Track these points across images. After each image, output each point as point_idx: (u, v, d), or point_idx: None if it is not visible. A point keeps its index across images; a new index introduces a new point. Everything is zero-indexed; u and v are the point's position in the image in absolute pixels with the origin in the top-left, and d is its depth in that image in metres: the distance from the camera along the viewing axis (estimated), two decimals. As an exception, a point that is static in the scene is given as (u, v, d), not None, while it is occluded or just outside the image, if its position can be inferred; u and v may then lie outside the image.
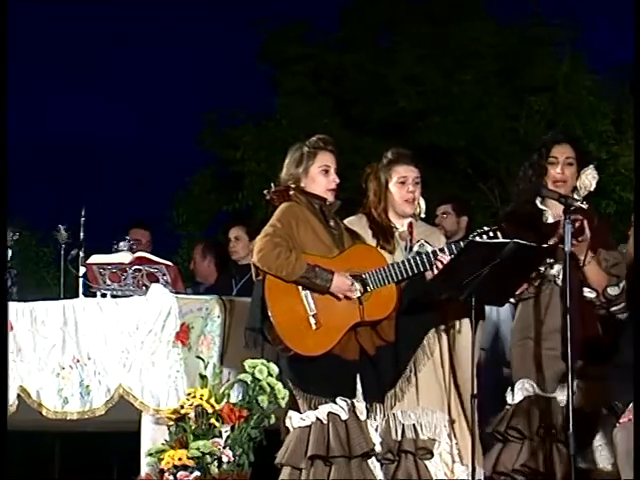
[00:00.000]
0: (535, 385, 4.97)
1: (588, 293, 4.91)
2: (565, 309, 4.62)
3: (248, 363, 4.80)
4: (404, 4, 12.64)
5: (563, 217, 4.68)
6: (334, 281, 4.67)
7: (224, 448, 4.71)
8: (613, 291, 5.00)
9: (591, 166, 5.14)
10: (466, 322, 4.91)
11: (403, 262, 4.83)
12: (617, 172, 11.44)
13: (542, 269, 4.95)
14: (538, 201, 5.11)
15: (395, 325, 4.82)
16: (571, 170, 5.08)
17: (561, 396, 4.92)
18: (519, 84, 12.08)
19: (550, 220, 5.06)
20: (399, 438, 4.82)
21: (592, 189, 5.10)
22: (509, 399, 4.99)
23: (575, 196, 5.03)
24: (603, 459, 4.87)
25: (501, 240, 4.76)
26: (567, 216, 4.64)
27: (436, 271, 4.80)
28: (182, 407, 4.78)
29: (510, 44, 12.08)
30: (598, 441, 4.92)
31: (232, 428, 4.76)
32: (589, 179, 5.11)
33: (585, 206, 4.86)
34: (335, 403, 4.69)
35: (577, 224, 4.76)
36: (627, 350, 4.67)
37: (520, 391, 4.99)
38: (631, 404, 4.37)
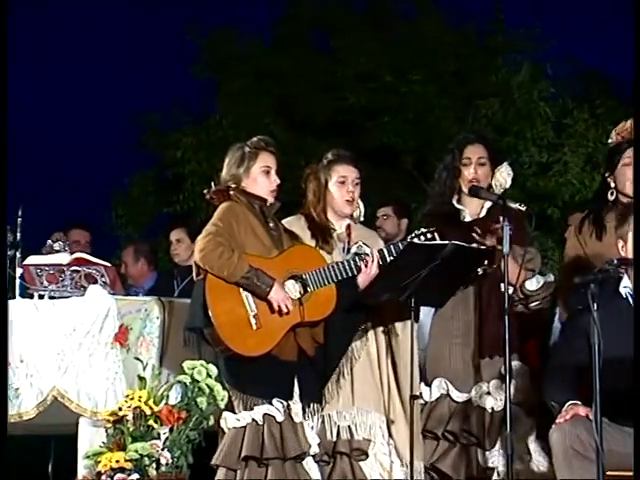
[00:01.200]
0: (450, 384, 5.02)
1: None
2: (503, 311, 4.66)
3: (187, 364, 4.79)
4: (352, 2, 12.67)
5: (501, 219, 4.74)
6: (273, 289, 4.66)
7: (162, 450, 4.69)
8: (531, 286, 5.08)
9: (505, 164, 5.22)
10: (405, 323, 4.94)
11: (343, 263, 4.85)
12: (568, 182, 11.58)
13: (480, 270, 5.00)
14: (455, 201, 5.16)
15: (326, 326, 4.82)
16: (484, 170, 5.15)
17: (475, 396, 4.98)
18: (472, 87, 12.16)
19: (468, 219, 5.12)
20: (334, 439, 4.84)
21: (507, 186, 5.16)
22: (425, 397, 5.02)
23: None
24: (538, 460, 4.94)
25: (440, 242, 4.79)
26: (505, 217, 4.69)
27: (369, 274, 4.81)
28: (120, 409, 4.76)
29: (468, 47, 12.15)
30: (532, 442, 4.99)
31: (171, 430, 4.75)
32: (504, 177, 5.18)
33: (523, 208, 4.91)
34: (271, 404, 4.69)
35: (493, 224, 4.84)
36: (559, 351, 4.74)
37: (436, 389, 5.03)
38: (567, 404, 4.41)
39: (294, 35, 12.62)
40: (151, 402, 4.74)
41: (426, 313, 5.18)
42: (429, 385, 5.06)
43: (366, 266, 4.82)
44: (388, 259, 4.86)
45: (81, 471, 4.88)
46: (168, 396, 4.83)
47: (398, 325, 4.99)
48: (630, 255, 4.46)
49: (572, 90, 12.41)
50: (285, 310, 4.67)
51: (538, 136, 11.89)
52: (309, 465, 4.76)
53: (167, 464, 4.69)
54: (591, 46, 13.66)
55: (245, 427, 4.67)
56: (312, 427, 4.81)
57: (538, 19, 12.02)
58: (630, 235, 4.51)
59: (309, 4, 12.69)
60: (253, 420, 4.67)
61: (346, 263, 4.84)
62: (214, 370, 4.76)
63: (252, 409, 4.68)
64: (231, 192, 4.83)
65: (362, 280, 4.84)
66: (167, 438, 4.72)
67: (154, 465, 4.68)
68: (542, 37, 11.92)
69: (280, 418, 4.68)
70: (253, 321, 4.67)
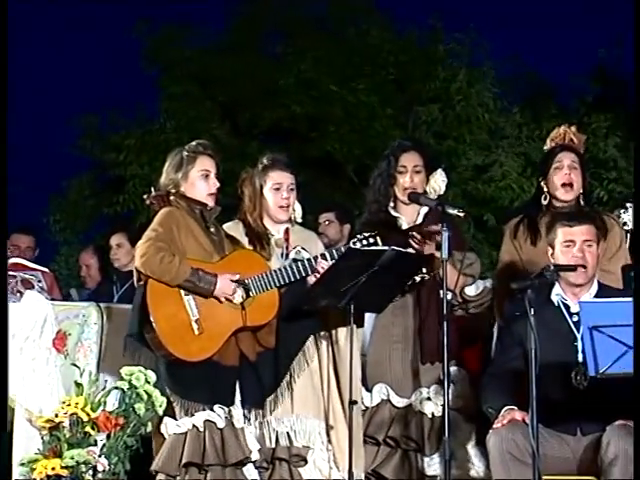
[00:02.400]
0: (390, 389, 5.05)
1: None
2: (442, 316, 4.70)
3: (125, 370, 4.76)
4: (299, 9, 12.68)
5: (440, 225, 4.77)
6: (218, 284, 4.65)
7: (99, 457, 4.66)
8: (470, 291, 5.12)
9: (439, 170, 5.25)
10: (349, 329, 4.95)
11: (285, 268, 4.84)
12: (508, 186, 11.68)
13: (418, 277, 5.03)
14: (391, 208, 5.19)
15: (275, 331, 4.82)
16: (420, 177, 5.17)
17: (416, 401, 5.01)
18: (411, 94, 12.23)
19: (404, 226, 5.14)
20: (273, 445, 4.82)
21: (442, 192, 5.20)
22: (366, 402, 5.04)
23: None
24: (477, 465, 4.97)
25: (380, 247, 4.80)
26: (444, 224, 4.72)
27: (314, 279, 4.82)
28: (56, 415, 4.71)
29: (408, 54, 12.22)
30: (472, 448, 5.02)
31: (108, 436, 4.72)
32: (438, 183, 5.21)
33: (462, 214, 4.94)
34: (212, 410, 4.67)
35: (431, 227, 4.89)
36: (496, 357, 4.78)
37: (376, 395, 5.05)
38: (503, 409, 4.45)
39: (242, 40, 12.60)
40: (88, 408, 4.70)
41: (367, 319, 5.20)
42: (369, 391, 5.07)
43: (317, 270, 4.82)
44: (328, 264, 4.86)
45: (16, 478, 4.82)
46: (105, 402, 4.80)
47: (341, 331, 4.98)
48: (559, 261, 4.51)
49: (509, 93, 12.53)
50: (234, 301, 4.66)
51: (474, 139, 12.01)
52: (249, 471, 4.75)
53: (104, 471, 4.66)
54: (529, 50, 13.79)
55: (186, 433, 4.65)
56: (252, 433, 4.80)
57: (475, 24, 12.12)
58: (557, 241, 4.56)
59: (258, 10, 12.67)
60: (194, 426, 4.65)
61: (289, 268, 4.84)
62: (152, 376, 4.74)
63: (193, 415, 4.66)
64: (171, 197, 4.81)
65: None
66: (104, 445, 4.69)
67: (91, 472, 4.64)
68: (477, 42, 12.03)
69: (221, 424, 4.67)
70: (195, 326, 4.66)
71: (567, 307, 4.53)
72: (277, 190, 5.02)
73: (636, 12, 6.26)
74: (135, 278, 4.74)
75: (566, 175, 5.06)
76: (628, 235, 5.97)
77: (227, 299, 4.69)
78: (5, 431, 4.71)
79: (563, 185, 5.06)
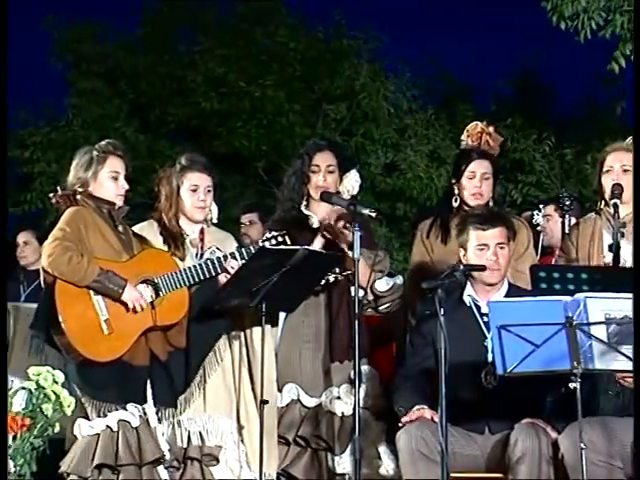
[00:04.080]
0: (300, 389, 5.06)
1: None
2: (354, 315, 4.72)
3: (32, 371, 4.70)
4: (208, 8, 12.63)
5: (352, 225, 4.79)
6: (126, 289, 4.62)
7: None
8: (380, 286, 5.16)
9: (353, 171, 5.29)
10: (260, 329, 4.95)
11: (195, 266, 4.83)
12: (417, 177, 11.79)
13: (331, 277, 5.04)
14: (303, 207, 5.21)
15: (186, 331, 4.80)
16: (333, 177, 5.21)
17: (326, 400, 5.03)
18: (320, 92, 12.28)
19: (316, 225, 5.17)
20: (185, 445, 4.81)
21: (355, 193, 5.23)
22: (277, 403, 5.05)
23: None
24: (387, 464, 5.01)
25: (292, 247, 4.81)
26: (355, 224, 4.74)
27: (225, 279, 4.80)
28: (-40, 417, 4.62)
29: (315, 51, 12.26)
30: (382, 446, 5.06)
31: (14, 438, 4.65)
32: (352, 184, 5.25)
33: (374, 214, 4.97)
34: (125, 410, 4.65)
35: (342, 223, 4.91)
36: (407, 356, 4.82)
37: (287, 394, 5.06)
38: (415, 407, 4.48)
39: (152, 38, 12.51)
40: (-6, 409, 4.62)
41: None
42: (280, 390, 5.07)
43: (230, 269, 4.80)
44: (239, 263, 4.85)
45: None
46: (12, 403, 4.72)
47: (255, 331, 4.98)
48: (472, 261, 4.57)
49: (426, 94, 12.66)
50: (139, 309, 4.63)
51: (382, 137, 12.11)
52: (160, 471, 4.73)
53: (10, 473, 4.57)
54: (448, 52, 13.96)
55: (99, 434, 4.61)
56: (163, 433, 4.78)
57: (380, 21, 12.25)
58: (469, 244, 4.62)
59: (168, 8, 12.60)
60: (107, 427, 4.62)
61: (198, 267, 4.82)
62: (61, 376, 4.68)
63: (106, 415, 4.63)
64: (78, 196, 4.76)
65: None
66: (10, 446, 4.61)
67: (-4, 474, 4.56)
68: (378, 38, 12.13)
69: (136, 423, 4.65)
70: (104, 326, 4.63)
71: (478, 307, 4.59)
72: (194, 191, 5.00)
73: (636, 12, 6.36)
74: (42, 277, 4.68)
75: (477, 187, 5.14)
76: (541, 236, 6.11)
77: (133, 306, 4.64)
78: (5, 431, 4.61)
79: (473, 195, 5.14)
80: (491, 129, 5.37)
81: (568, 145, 11.97)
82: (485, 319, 4.43)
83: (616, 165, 4.92)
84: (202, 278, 4.82)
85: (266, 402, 4.78)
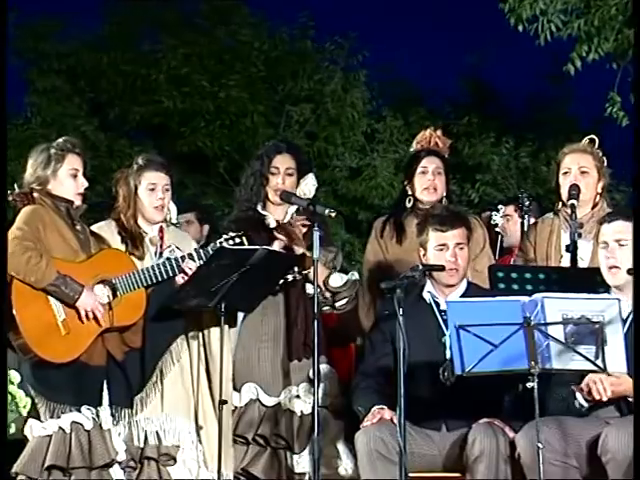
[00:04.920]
0: (259, 388, 5.06)
1: (311, 289, 4.99)
2: (312, 314, 4.73)
3: (-13, 371, 4.64)
4: (171, 7, 12.59)
5: (312, 225, 4.80)
6: (82, 296, 4.60)
7: (-42, 459, 4.53)
8: (334, 282, 5.16)
9: (310, 175, 5.31)
10: (218, 329, 4.94)
11: (153, 267, 4.82)
12: (378, 185, 11.83)
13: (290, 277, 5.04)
14: (260, 207, 5.21)
15: (143, 330, 4.79)
16: (291, 180, 5.22)
17: (285, 399, 5.03)
18: (283, 93, 12.27)
19: (273, 225, 5.17)
20: (142, 445, 4.79)
21: (311, 196, 5.23)
22: (235, 402, 5.04)
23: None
24: (346, 463, 5.02)
25: (251, 247, 4.81)
26: (315, 224, 4.75)
27: (182, 279, 4.79)
28: None
29: (279, 52, 12.25)
30: (341, 445, 5.06)
31: (-30, 438, 4.60)
32: (309, 187, 5.27)
33: (333, 214, 4.98)
34: (79, 412, 4.62)
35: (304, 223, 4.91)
36: (366, 356, 4.83)
37: (245, 394, 5.06)
38: (374, 408, 4.49)
39: (114, 36, 12.45)
40: (-52, 410, 4.56)
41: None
42: (238, 390, 5.07)
43: (188, 270, 4.79)
44: (198, 263, 4.84)
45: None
46: (-34, 404, 4.66)
47: (213, 331, 4.97)
48: (431, 261, 4.59)
49: (385, 98, 12.71)
50: (91, 318, 4.62)
51: (349, 141, 12.13)
52: (115, 471, 4.71)
53: (-34, 473, 4.53)
54: (402, 56, 14.02)
55: (51, 435, 4.58)
56: (119, 433, 4.76)
57: (353, 27, 12.27)
58: (429, 245, 4.64)
59: (131, 6, 12.54)
60: (60, 428, 4.59)
61: (156, 267, 4.81)
62: (17, 377, 4.64)
63: (59, 417, 4.61)
64: (35, 194, 4.72)
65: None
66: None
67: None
68: (356, 47, 12.14)
69: (89, 426, 4.63)
70: (61, 327, 4.60)
71: (437, 304, 4.61)
72: (152, 190, 4.99)
73: (636, 12, 6.40)
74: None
75: (429, 180, 5.19)
76: (500, 236, 6.15)
77: (86, 314, 4.62)
78: (5, 431, 4.58)
79: (426, 189, 5.18)
80: (439, 132, 5.43)
81: (522, 144, 12.09)
82: (444, 316, 4.44)
83: (573, 167, 4.97)
84: (160, 279, 4.80)
85: (225, 402, 4.78)
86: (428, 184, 5.19)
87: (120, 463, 4.73)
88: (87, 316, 4.62)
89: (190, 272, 4.79)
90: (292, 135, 11.83)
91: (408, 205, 5.25)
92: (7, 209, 4.82)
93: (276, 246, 5.00)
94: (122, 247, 4.94)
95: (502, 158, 11.97)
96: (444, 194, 5.24)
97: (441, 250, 4.60)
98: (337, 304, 5.22)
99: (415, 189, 5.23)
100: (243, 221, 5.12)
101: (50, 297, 4.60)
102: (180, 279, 4.83)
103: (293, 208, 5.19)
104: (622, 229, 4.34)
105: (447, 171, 5.30)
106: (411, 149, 5.47)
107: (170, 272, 4.82)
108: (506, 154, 12.02)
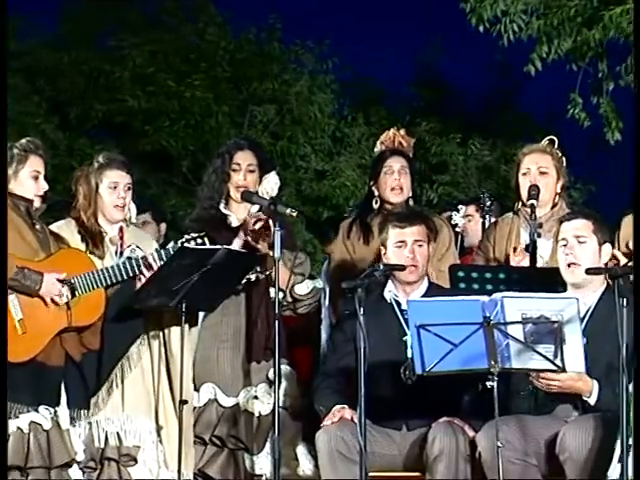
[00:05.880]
0: (218, 388, 5.04)
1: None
2: (273, 316, 4.72)
3: (-56, 371, 4.59)
4: (135, 4, 12.54)
5: (272, 224, 4.79)
6: (44, 283, 4.58)
7: None
8: (300, 290, 5.17)
9: (273, 172, 5.30)
10: (179, 328, 4.92)
11: (112, 267, 4.79)
12: (342, 185, 11.85)
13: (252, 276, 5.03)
14: (222, 206, 5.20)
15: (101, 331, 4.76)
16: (253, 177, 5.20)
17: (243, 400, 5.03)
18: (247, 93, 12.26)
19: (235, 224, 5.16)
20: (102, 445, 4.78)
21: (274, 194, 5.23)
22: (194, 402, 5.03)
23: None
24: (304, 464, 5.02)
25: (212, 247, 4.79)
26: (276, 223, 4.74)
27: (144, 279, 4.78)
28: None
29: (244, 53, 12.24)
30: (300, 446, 5.06)
31: None
32: (271, 185, 5.26)
33: (294, 213, 4.98)
34: (37, 412, 4.60)
35: (260, 223, 4.91)
36: (327, 356, 4.84)
37: (204, 394, 5.04)
38: (335, 407, 4.49)
39: (75, 33, 12.37)
40: None
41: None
42: (197, 390, 5.05)
43: (149, 269, 4.77)
44: (158, 263, 4.82)
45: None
46: None
47: (174, 330, 4.95)
48: (391, 261, 4.60)
49: (351, 100, 12.74)
50: (59, 302, 4.60)
51: (316, 143, 12.14)
52: (74, 472, 4.69)
53: None
54: (368, 57, 14.05)
55: (9, 435, 4.55)
56: (79, 434, 4.74)
57: (319, 28, 12.30)
58: (389, 242, 4.65)
59: (93, 3, 12.47)
60: (18, 428, 4.56)
61: (116, 267, 4.79)
62: (-27, 376, 4.58)
63: (17, 417, 4.58)
64: (-6, 193, 4.69)
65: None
66: None
67: None
68: (327, 53, 12.16)
69: (47, 426, 4.60)
70: (18, 326, 4.57)
71: (399, 304, 4.62)
72: (113, 189, 4.96)
73: (636, 12, 6.43)
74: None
75: (396, 180, 5.21)
76: (459, 236, 6.18)
77: (53, 300, 4.61)
78: (5, 428, 4.53)
79: (393, 189, 5.20)
80: (402, 131, 5.45)
81: (479, 142, 12.17)
82: (405, 315, 4.45)
83: (533, 167, 5.01)
84: (120, 279, 4.78)
85: (185, 402, 4.76)
86: (394, 184, 5.20)
87: (79, 463, 4.71)
88: (53, 301, 4.60)
89: (147, 274, 4.76)
90: (256, 135, 11.82)
91: (375, 206, 5.26)
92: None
93: (236, 245, 4.99)
94: (82, 246, 4.91)
95: (463, 158, 12.05)
96: (410, 194, 5.26)
97: (400, 247, 4.62)
98: (299, 310, 5.23)
99: (381, 189, 5.24)
100: (205, 220, 5.10)
101: (8, 297, 4.55)
102: (138, 283, 4.80)
103: (255, 207, 5.18)
104: (581, 227, 4.38)
105: (412, 171, 5.32)
106: (375, 150, 5.48)
107: (130, 272, 4.79)
108: (470, 155, 12.10)
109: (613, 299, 4.20)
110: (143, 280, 4.79)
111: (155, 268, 4.77)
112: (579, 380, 4.14)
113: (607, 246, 4.41)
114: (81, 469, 4.73)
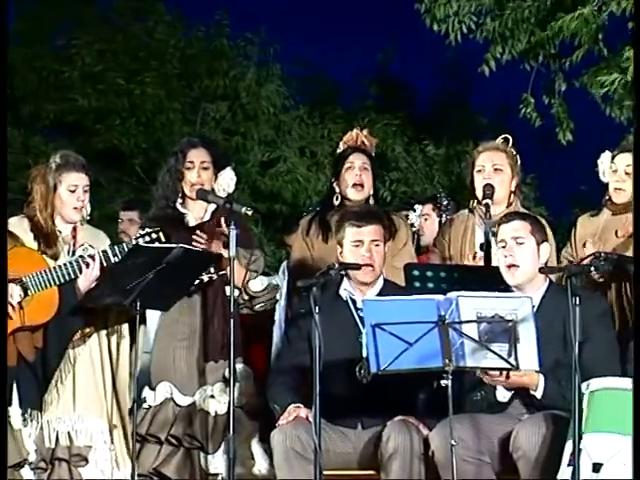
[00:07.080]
0: (174, 388, 5.02)
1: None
2: (229, 315, 4.70)
3: None
4: (85, 3, 12.45)
5: (226, 222, 4.78)
6: None
7: None
8: (255, 287, 5.17)
9: (228, 168, 5.28)
10: (129, 327, 4.90)
11: (65, 265, 4.76)
12: (294, 180, 11.86)
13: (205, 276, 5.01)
14: (179, 204, 5.18)
15: (45, 330, 4.72)
16: (207, 174, 5.18)
17: (200, 399, 5.01)
18: (199, 90, 12.24)
19: (192, 223, 5.15)
20: (53, 445, 4.75)
21: (230, 190, 5.22)
22: (149, 401, 5.01)
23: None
24: (260, 463, 5.01)
25: (167, 245, 4.77)
26: (230, 221, 4.72)
27: (84, 278, 4.74)
28: None
29: (194, 50, 12.21)
30: (255, 445, 5.06)
31: None
32: (227, 181, 5.24)
33: (250, 212, 4.95)
34: (-12, 412, 4.54)
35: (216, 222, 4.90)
36: (282, 354, 4.84)
37: (160, 393, 5.02)
38: (290, 406, 4.49)
39: (25, 31, 12.26)
40: None
41: (153, 317, 5.16)
42: (153, 389, 5.03)
43: (87, 267, 4.74)
44: (113, 260, 4.79)
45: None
46: None
47: (124, 328, 4.93)
48: (348, 260, 4.60)
49: (297, 93, 12.75)
50: (12, 301, 4.57)
51: (262, 134, 12.17)
52: (25, 472, 4.66)
53: None
54: (318, 52, 14.07)
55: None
56: (30, 434, 4.69)
57: (264, 23, 12.28)
58: (345, 241, 4.66)
59: (43, 1, 12.38)
60: (-31, 428, 4.52)
61: (69, 265, 4.76)
62: None
63: (-31, 418, 4.53)
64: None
65: (82, 283, 4.76)
66: None
67: None
68: (266, 40, 12.16)
69: (-1, 426, 4.55)
70: (-30, 327, 4.52)
71: (354, 302, 4.62)
72: (73, 192, 4.92)
73: (636, 12, 6.45)
74: None
75: (357, 176, 5.22)
76: (415, 235, 6.20)
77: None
78: (5, 432, 4.49)
79: (354, 185, 5.21)
80: (365, 132, 5.47)
81: (431, 140, 12.25)
82: (361, 314, 4.46)
83: (487, 165, 5.04)
84: (71, 277, 4.75)
85: (139, 401, 4.74)
86: (355, 179, 5.20)
87: (31, 464, 4.68)
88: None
89: (88, 273, 4.72)
90: (209, 132, 11.78)
91: (335, 203, 5.26)
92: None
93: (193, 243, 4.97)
94: (34, 245, 4.87)
95: (414, 155, 12.12)
96: (371, 192, 5.26)
97: (357, 246, 4.62)
98: (256, 307, 5.22)
99: (342, 186, 5.25)
100: (162, 219, 5.07)
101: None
102: (80, 283, 4.76)
103: (212, 206, 5.16)
104: (519, 227, 4.41)
105: (374, 168, 5.32)
106: (338, 150, 5.49)
107: (82, 270, 4.76)
108: (420, 152, 12.18)
109: (556, 297, 4.27)
110: (83, 279, 4.75)
111: (98, 266, 4.73)
112: (524, 375, 4.17)
113: (545, 245, 4.45)
114: (32, 469, 4.70)
